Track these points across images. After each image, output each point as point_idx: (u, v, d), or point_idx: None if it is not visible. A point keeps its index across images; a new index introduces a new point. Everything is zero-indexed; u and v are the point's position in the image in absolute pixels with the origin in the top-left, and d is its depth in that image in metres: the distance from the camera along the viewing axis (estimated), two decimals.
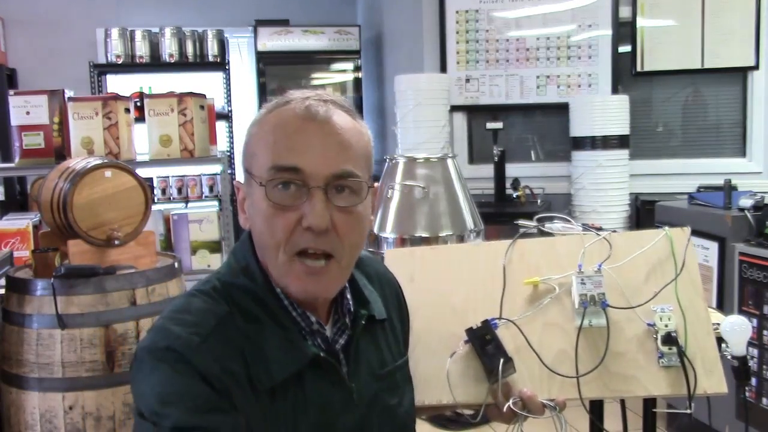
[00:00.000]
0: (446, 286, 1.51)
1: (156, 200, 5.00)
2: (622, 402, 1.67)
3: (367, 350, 1.17)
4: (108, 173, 2.66)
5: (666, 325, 1.41)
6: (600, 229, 1.56)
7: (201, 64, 6.14)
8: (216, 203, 4.44)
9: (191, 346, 0.99)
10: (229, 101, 6.11)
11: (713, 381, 1.40)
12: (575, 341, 1.41)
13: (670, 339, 1.40)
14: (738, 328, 1.75)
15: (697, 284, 1.48)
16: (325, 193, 1.03)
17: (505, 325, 1.41)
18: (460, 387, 1.37)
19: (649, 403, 2.03)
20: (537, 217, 1.74)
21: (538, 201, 4.44)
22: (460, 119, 4.92)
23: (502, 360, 1.29)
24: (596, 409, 2.08)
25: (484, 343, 1.33)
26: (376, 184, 1.13)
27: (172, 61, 6.03)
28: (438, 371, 1.37)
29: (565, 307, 1.46)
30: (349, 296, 1.17)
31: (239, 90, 6.26)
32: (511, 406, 1.24)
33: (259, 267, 1.10)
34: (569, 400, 1.34)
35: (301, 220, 1.03)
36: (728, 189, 3.02)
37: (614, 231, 1.57)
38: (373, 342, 1.19)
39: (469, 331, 1.36)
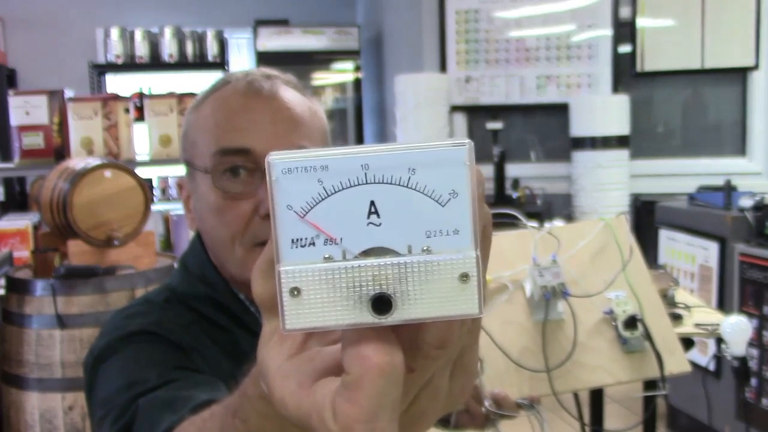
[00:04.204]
0: None
1: (156, 200, 5.00)
2: (575, 394, 1.68)
3: None
4: (108, 173, 2.65)
5: (624, 311, 1.42)
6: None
7: (201, 64, 6.13)
8: None
9: (161, 324, 0.90)
10: None
11: (676, 360, 1.42)
12: (536, 336, 1.40)
13: (633, 323, 1.40)
14: (738, 329, 1.76)
15: (643, 269, 1.51)
16: None
17: None
18: None
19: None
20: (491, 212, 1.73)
21: (538, 201, 4.44)
22: (460, 119, 4.92)
23: None
24: (597, 404, 2.08)
25: None
26: None
27: (172, 62, 6.03)
28: None
29: (519, 304, 1.45)
30: None
31: None
32: (488, 408, 1.21)
33: (217, 273, 0.99)
34: (542, 395, 1.33)
35: (257, 209, 0.92)
36: (728, 189, 3.01)
37: (553, 224, 1.57)
38: None
39: None
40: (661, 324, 1.45)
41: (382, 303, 0.37)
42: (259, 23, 5.95)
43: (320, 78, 6.23)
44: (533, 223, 1.57)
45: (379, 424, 0.37)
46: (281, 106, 0.95)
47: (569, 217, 4.29)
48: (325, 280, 0.38)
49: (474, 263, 0.38)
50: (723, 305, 2.93)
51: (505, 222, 1.54)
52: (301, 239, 0.38)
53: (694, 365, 3.06)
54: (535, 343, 1.40)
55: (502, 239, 1.54)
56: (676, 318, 1.98)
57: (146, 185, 2.76)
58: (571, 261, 1.48)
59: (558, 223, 1.74)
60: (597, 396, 2.19)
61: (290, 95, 0.97)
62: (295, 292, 0.38)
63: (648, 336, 1.40)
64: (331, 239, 0.38)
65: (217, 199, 0.93)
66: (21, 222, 3.25)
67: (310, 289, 0.38)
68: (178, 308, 0.97)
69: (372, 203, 0.38)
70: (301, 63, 5.91)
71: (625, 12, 4.60)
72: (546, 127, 4.90)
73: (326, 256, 0.38)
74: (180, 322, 0.93)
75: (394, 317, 0.38)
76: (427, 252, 0.38)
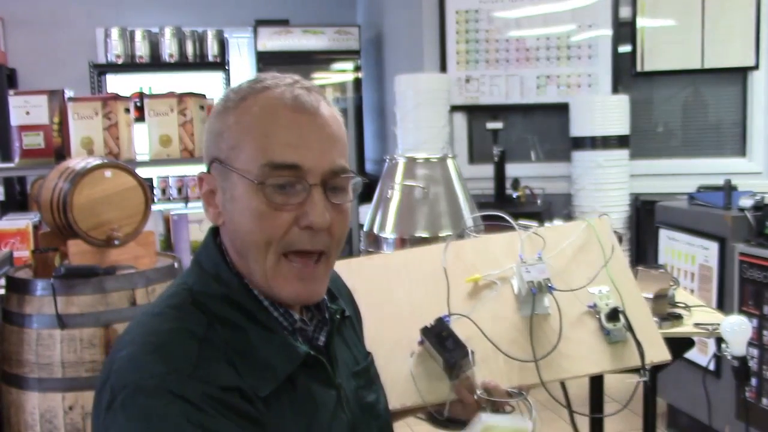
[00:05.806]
0: (389, 293, 1.56)
1: (156, 200, 5.00)
2: (563, 384, 1.75)
3: (342, 347, 1.13)
4: (108, 173, 2.66)
5: (607, 304, 1.49)
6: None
7: (201, 64, 6.14)
8: None
9: (182, 380, 0.90)
10: None
11: (657, 351, 1.48)
12: (524, 329, 1.48)
13: (615, 315, 1.48)
14: (738, 328, 1.76)
15: (624, 265, 1.59)
16: (324, 191, 0.99)
17: (455, 322, 1.45)
18: (423, 388, 1.40)
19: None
20: (480, 214, 1.83)
21: (538, 201, 4.44)
22: (460, 119, 4.92)
23: (467, 352, 1.30)
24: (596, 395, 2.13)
25: (442, 339, 1.34)
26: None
27: (172, 62, 6.03)
28: (396, 376, 1.40)
29: (508, 300, 1.53)
30: None
31: None
32: (480, 396, 1.26)
33: (230, 271, 1.03)
34: (531, 386, 1.40)
35: (298, 219, 0.98)
36: (728, 189, 3.01)
37: (537, 226, 1.64)
38: (343, 339, 1.15)
39: (425, 330, 1.37)
40: (641, 316, 1.51)
41: None
42: (259, 23, 5.95)
43: (320, 78, 6.23)
44: (526, 222, 1.63)
45: None
46: (324, 123, 1.01)
47: (569, 217, 4.29)
48: None
49: None
50: (723, 305, 2.93)
51: (496, 224, 1.62)
52: None
53: (694, 365, 3.07)
54: (523, 336, 1.47)
55: (491, 242, 1.63)
56: (676, 318, 1.98)
57: (146, 185, 2.76)
58: (557, 259, 1.56)
59: (558, 224, 1.78)
60: (597, 388, 2.21)
61: (327, 110, 1.03)
62: None
63: (630, 327, 1.46)
64: None
65: (261, 206, 0.98)
66: (21, 222, 3.25)
67: None
68: (195, 315, 0.99)
69: None
70: (301, 63, 5.91)
71: (625, 12, 4.60)
72: (546, 127, 4.90)
73: None
74: (213, 374, 0.93)
75: None
76: None
